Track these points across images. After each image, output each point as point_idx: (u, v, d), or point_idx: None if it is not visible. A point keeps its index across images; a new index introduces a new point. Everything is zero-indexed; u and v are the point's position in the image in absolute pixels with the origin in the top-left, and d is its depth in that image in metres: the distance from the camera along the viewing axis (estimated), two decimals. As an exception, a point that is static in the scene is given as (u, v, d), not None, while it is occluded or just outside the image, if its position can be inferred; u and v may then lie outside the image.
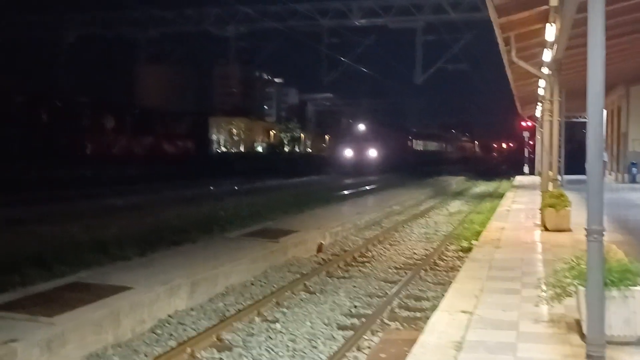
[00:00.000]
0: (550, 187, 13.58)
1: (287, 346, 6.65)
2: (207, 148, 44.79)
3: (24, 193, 20.53)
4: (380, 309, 7.87)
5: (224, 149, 64.97)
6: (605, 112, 9.25)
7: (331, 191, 25.34)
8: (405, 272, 10.62)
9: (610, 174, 29.28)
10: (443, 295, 8.23)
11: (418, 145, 62.41)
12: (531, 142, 42.98)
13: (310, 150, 76.39)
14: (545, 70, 13.89)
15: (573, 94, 18.64)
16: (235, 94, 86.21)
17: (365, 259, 11.96)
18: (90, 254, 10.88)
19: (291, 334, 7.07)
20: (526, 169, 41.34)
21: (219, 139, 65.77)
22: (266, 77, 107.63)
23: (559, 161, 13.58)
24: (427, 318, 7.24)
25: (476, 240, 12.22)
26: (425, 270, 10.71)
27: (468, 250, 11.94)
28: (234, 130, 69.43)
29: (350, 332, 7.02)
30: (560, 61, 12.96)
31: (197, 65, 79.97)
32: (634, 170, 25.63)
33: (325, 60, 41.25)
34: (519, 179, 35.28)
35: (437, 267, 11.14)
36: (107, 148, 30.77)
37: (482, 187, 36.56)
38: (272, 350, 6.53)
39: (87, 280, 8.05)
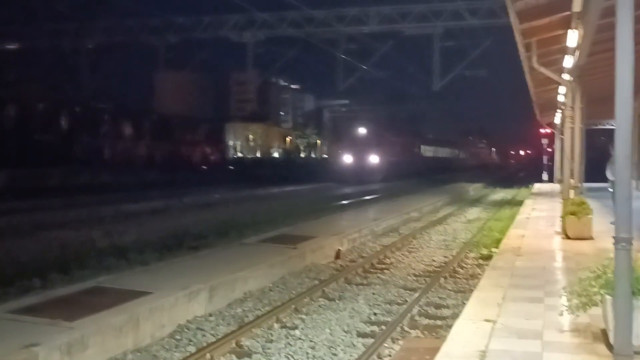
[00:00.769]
0: (572, 194, 13.40)
1: (307, 353, 6.60)
2: (224, 154, 45.00)
3: (45, 199, 20.73)
4: (400, 317, 7.79)
5: (240, 155, 65.25)
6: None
7: (346, 197, 25.30)
8: (424, 280, 10.53)
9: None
10: (463, 303, 8.16)
11: (427, 151, 58.43)
12: (549, 150, 42.56)
13: (327, 156, 76.46)
14: (566, 77, 13.74)
15: (593, 100, 18.43)
16: (252, 100, 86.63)
17: (383, 266, 11.88)
18: (109, 259, 11.00)
19: (311, 340, 7.02)
20: (545, 176, 40.92)
21: (235, 145, 66.07)
22: (283, 84, 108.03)
23: (580, 169, 13.40)
24: (448, 326, 7.19)
25: (496, 248, 12.11)
26: (445, 278, 10.61)
27: (488, 258, 11.83)
28: (251, 136, 69.72)
29: (371, 340, 6.96)
30: (582, 67, 12.81)
31: (215, 71, 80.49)
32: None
33: (342, 66, 41.25)
34: (537, 187, 34.94)
35: (456, 275, 11.03)
36: (126, 154, 30.99)
37: (500, 194, 36.28)
38: (292, 357, 6.48)
39: (107, 285, 8.08)
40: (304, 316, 8.09)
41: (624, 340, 4.41)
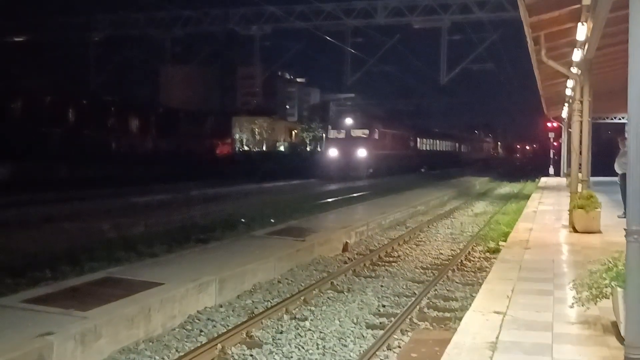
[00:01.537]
0: (579, 188, 13.39)
1: (317, 344, 6.64)
2: (230, 147, 45.01)
3: (52, 191, 20.82)
4: (409, 309, 7.83)
5: (246, 148, 65.27)
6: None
7: (354, 191, 25.27)
8: (432, 273, 10.57)
9: None
10: (472, 295, 8.21)
11: (425, 144, 53.97)
12: (556, 143, 42.47)
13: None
14: (574, 70, 13.71)
15: (600, 94, 18.37)
16: (258, 93, 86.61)
17: (391, 259, 11.92)
18: (119, 251, 11.07)
19: (320, 332, 7.06)
20: (551, 170, 40.86)
21: (241, 138, 66.10)
22: (288, 77, 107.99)
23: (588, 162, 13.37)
24: (457, 318, 7.23)
25: (503, 241, 12.13)
26: (453, 271, 10.64)
27: (495, 251, 11.86)
28: (257, 130, 69.72)
29: (380, 331, 7.00)
30: (591, 61, 12.77)
31: (222, 65, 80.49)
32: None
33: (349, 60, 41.14)
34: (544, 180, 34.89)
35: (464, 268, 11.06)
36: (133, 147, 31.07)
37: (506, 188, 36.24)
38: (302, 347, 6.53)
39: (118, 276, 8.14)
40: (313, 308, 8.14)
41: (636, 332, 4.42)
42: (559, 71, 14.09)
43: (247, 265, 9.28)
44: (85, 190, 21.76)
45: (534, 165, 59.83)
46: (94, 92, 42.77)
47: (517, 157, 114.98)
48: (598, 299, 5.11)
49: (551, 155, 42.76)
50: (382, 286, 9.47)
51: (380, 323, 7.48)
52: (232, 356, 6.31)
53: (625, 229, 4.41)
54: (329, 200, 21.48)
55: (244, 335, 6.81)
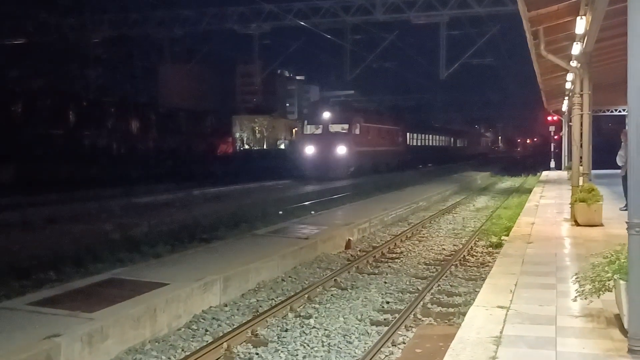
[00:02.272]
0: (581, 181, 13.42)
1: (322, 341, 6.68)
2: (230, 146, 45.00)
3: (54, 193, 20.86)
4: (412, 305, 7.86)
5: (247, 147, 65.28)
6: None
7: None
8: (435, 268, 10.61)
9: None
10: (475, 290, 8.24)
11: (416, 139, 49.97)
12: (556, 137, 42.48)
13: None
14: (574, 64, 13.72)
15: (600, 87, 18.38)
16: (258, 92, 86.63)
17: (394, 255, 11.96)
18: (122, 252, 11.10)
19: (325, 329, 7.10)
20: (552, 163, 40.88)
21: (242, 137, 66.11)
22: (288, 75, 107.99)
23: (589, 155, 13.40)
24: (461, 313, 7.27)
25: (506, 235, 12.16)
26: (456, 266, 10.67)
27: (498, 245, 11.90)
28: (257, 128, 69.71)
29: (384, 328, 7.04)
30: (590, 54, 12.79)
31: (221, 64, 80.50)
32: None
33: (348, 56, 41.06)
34: (545, 174, 34.92)
35: (467, 263, 11.09)
36: (133, 147, 31.10)
37: (507, 182, 36.28)
38: (308, 345, 6.57)
39: (123, 277, 8.18)
40: (317, 305, 8.18)
41: (639, 324, 4.46)
42: (558, 65, 14.10)
43: (250, 264, 9.32)
44: (87, 190, 21.78)
45: (535, 159, 59.85)
46: (94, 92, 42.81)
47: (517, 151, 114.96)
48: (601, 292, 5.15)
49: (552, 149, 42.78)
50: (385, 283, 9.51)
51: (385, 319, 7.52)
52: (238, 355, 6.35)
53: (627, 222, 4.45)
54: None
55: (250, 334, 6.85)
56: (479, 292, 6.92)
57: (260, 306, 8.13)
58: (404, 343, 6.61)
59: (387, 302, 8.37)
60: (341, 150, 32.51)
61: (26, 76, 42.12)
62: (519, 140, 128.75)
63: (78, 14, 43.16)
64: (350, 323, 7.36)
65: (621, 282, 4.83)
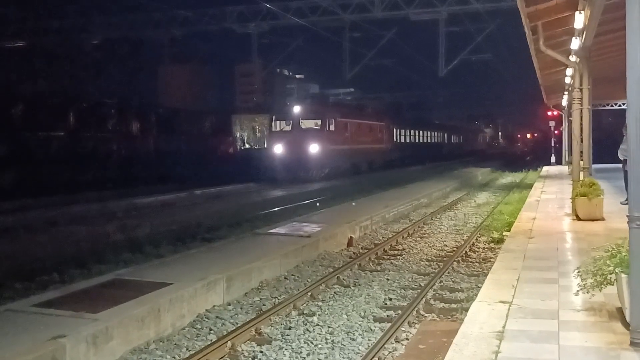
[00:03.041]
0: (581, 176, 13.43)
1: (326, 339, 6.71)
2: (231, 146, 44.94)
3: (55, 195, 20.89)
4: (415, 301, 7.89)
5: (247, 146, 65.22)
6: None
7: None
8: (437, 264, 10.63)
9: None
10: (477, 286, 8.27)
11: (404, 136, 45.89)
12: (557, 132, 42.50)
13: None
14: (573, 58, 13.73)
15: (599, 81, 18.39)
16: (258, 91, 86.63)
17: (396, 252, 11.99)
18: (125, 253, 11.15)
19: (329, 326, 7.13)
20: (553, 158, 40.91)
21: (242, 136, 66.07)
22: (287, 74, 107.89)
23: (589, 150, 13.43)
24: (463, 309, 7.29)
25: (507, 231, 12.18)
26: (458, 262, 10.70)
27: (499, 241, 11.92)
28: (257, 127, 69.65)
29: (387, 324, 7.06)
30: (589, 48, 12.80)
31: (220, 63, 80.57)
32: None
33: (347, 54, 41.09)
34: (546, 169, 34.94)
35: (469, 259, 11.12)
36: (133, 148, 31.09)
37: (508, 178, 36.30)
38: (311, 342, 6.60)
39: (126, 277, 8.21)
40: (320, 303, 8.20)
41: (640, 317, 4.49)
42: (557, 60, 14.12)
43: (253, 263, 9.34)
44: (89, 192, 21.81)
45: (536, 154, 59.88)
46: (93, 94, 42.82)
47: (518, 146, 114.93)
48: (603, 286, 5.17)
49: (552, 144, 42.80)
50: (388, 279, 9.54)
51: (388, 316, 7.55)
52: (242, 353, 6.38)
53: (627, 216, 4.47)
54: (329, 195, 20.79)
55: (253, 332, 6.88)
56: (481, 287, 6.94)
57: (263, 305, 8.16)
58: (408, 339, 6.64)
59: (390, 299, 8.39)
60: (313, 148, 28.76)
61: (24, 80, 42.20)
62: (519, 136, 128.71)
63: (78, 16, 43.24)
64: (354, 320, 7.38)
65: (622, 275, 4.86)
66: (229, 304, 8.12)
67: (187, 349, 6.49)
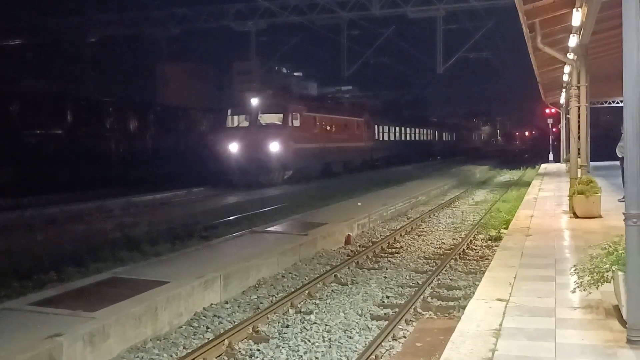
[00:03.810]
0: (579, 173, 13.45)
1: (323, 337, 6.71)
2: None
3: (53, 193, 20.87)
4: (412, 299, 7.89)
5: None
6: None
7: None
8: (435, 262, 10.64)
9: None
10: (474, 284, 8.28)
11: (388, 133, 41.68)
12: (555, 130, 42.54)
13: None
14: (571, 56, 13.74)
15: (597, 78, 18.39)
16: (255, 89, 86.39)
17: (394, 250, 11.99)
18: (122, 251, 11.12)
19: (326, 324, 7.13)
20: (551, 156, 40.94)
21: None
22: (285, 72, 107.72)
23: (587, 148, 13.44)
24: (461, 307, 7.29)
25: (505, 228, 12.20)
26: (455, 260, 10.70)
27: (497, 239, 11.93)
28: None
29: (385, 322, 7.07)
30: (587, 46, 12.81)
31: (218, 61, 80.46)
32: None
33: (345, 52, 41.00)
34: (544, 167, 34.98)
35: (466, 257, 11.13)
36: (131, 146, 31.06)
37: (506, 175, 36.32)
38: (309, 340, 6.60)
39: (124, 276, 8.21)
40: (317, 301, 8.21)
41: (637, 314, 4.49)
42: (555, 57, 14.13)
43: (251, 261, 9.35)
44: (87, 191, 21.78)
45: (534, 151, 59.90)
46: (91, 92, 42.74)
47: (516, 144, 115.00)
48: (599, 284, 5.18)
49: (550, 142, 42.83)
50: (385, 277, 9.54)
51: (385, 314, 7.56)
52: (240, 351, 6.37)
53: (624, 213, 4.47)
54: (329, 194, 20.65)
55: (251, 331, 6.88)
56: (478, 285, 6.95)
57: (260, 303, 8.15)
58: (405, 337, 6.64)
59: (387, 297, 8.40)
60: (273, 147, 24.43)
61: (21, 78, 42.11)
62: (517, 134, 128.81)
63: (76, 14, 43.15)
64: (351, 318, 7.39)
65: (619, 273, 4.86)
66: (227, 302, 8.12)
67: (184, 347, 6.49)
